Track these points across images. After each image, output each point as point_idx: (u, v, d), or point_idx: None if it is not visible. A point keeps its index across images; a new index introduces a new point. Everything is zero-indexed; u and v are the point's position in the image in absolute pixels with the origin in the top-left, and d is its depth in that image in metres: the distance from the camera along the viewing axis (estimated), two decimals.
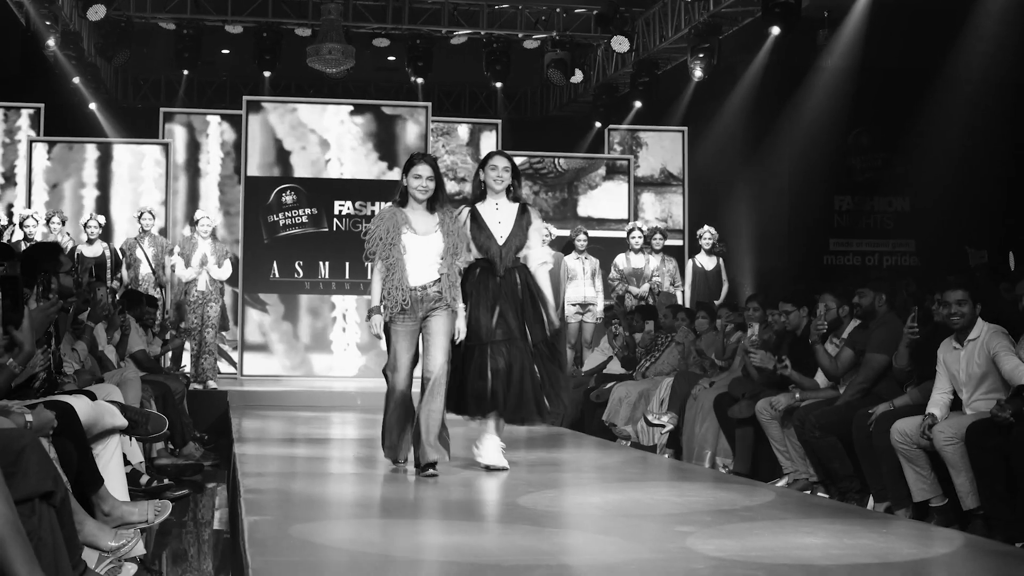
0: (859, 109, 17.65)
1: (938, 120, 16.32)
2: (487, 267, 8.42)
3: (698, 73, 16.89)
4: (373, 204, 17.01)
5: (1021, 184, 17.28)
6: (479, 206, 8.56)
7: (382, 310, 8.15)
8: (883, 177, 19.13)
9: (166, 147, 17.33)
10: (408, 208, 8.27)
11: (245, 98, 17.49)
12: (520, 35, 19.21)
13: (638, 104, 19.39)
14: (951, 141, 16.10)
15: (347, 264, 16.89)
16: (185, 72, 19.83)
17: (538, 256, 8.66)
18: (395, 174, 17.16)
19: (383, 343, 8.44)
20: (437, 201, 8.30)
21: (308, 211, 16.99)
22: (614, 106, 20.32)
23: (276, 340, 16.98)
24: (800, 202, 18.62)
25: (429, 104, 18.04)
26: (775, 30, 14.96)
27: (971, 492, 7.41)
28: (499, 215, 8.50)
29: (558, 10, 19.15)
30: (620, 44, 18.05)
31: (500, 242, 8.41)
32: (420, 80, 19.72)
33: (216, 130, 17.87)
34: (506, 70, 19.66)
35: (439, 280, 8.17)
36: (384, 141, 17.46)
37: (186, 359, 15.00)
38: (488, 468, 8.19)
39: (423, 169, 8.26)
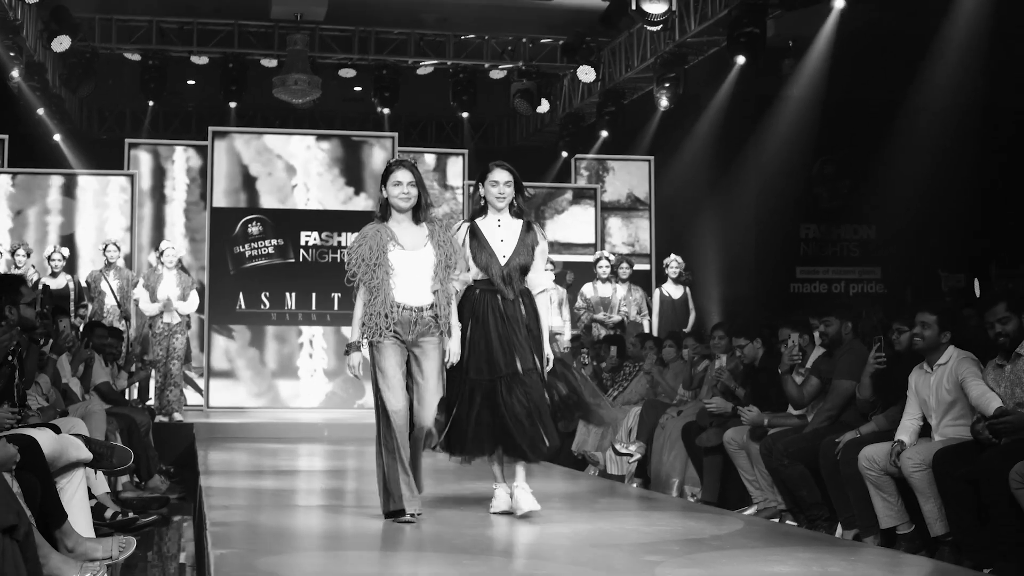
0: (824, 138, 17.71)
1: (903, 148, 16.39)
2: (488, 289, 7.68)
3: (664, 102, 16.91)
4: (339, 235, 17.02)
5: (986, 212, 17.36)
6: (479, 221, 7.86)
7: (363, 346, 7.43)
8: (848, 205, 19.21)
9: (131, 178, 17.26)
10: (392, 222, 7.54)
11: (211, 129, 17.46)
12: (486, 65, 19.22)
13: (604, 133, 19.39)
14: (916, 169, 16.18)
15: (313, 295, 16.88)
16: (151, 103, 19.74)
17: (540, 282, 7.91)
18: (363, 200, 17.21)
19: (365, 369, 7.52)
20: (421, 209, 7.59)
21: (274, 242, 16.95)
22: (580, 135, 20.33)
23: (242, 366, 16.92)
24: (766, 230, 18.67)
25: (395, 134, 18.05)
26: (740, 60, 14.98)
27: (939, 519, 7.42)
28: (501, 232, 7.79)
29: (524, 40, 19.17)
30: (586, 74, 18.09)
31: (503, 261, 7.68)
32: (386, 110, 19.71)
33: (182, 157, 17.84)
34: (472, 100, 19.66)
35: (433, 303, 7.42)
36: (351, 166, 17.49)
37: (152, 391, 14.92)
38: (527, 515, 7.42)
39: (402, 175, 7.56)
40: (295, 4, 17.35)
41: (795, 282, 19.19)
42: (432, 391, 7.43)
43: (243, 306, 16.85)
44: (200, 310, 16.13)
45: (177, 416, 14.42)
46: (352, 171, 17.49)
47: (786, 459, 8.76)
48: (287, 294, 16.92)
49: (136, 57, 18.40)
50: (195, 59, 18.46)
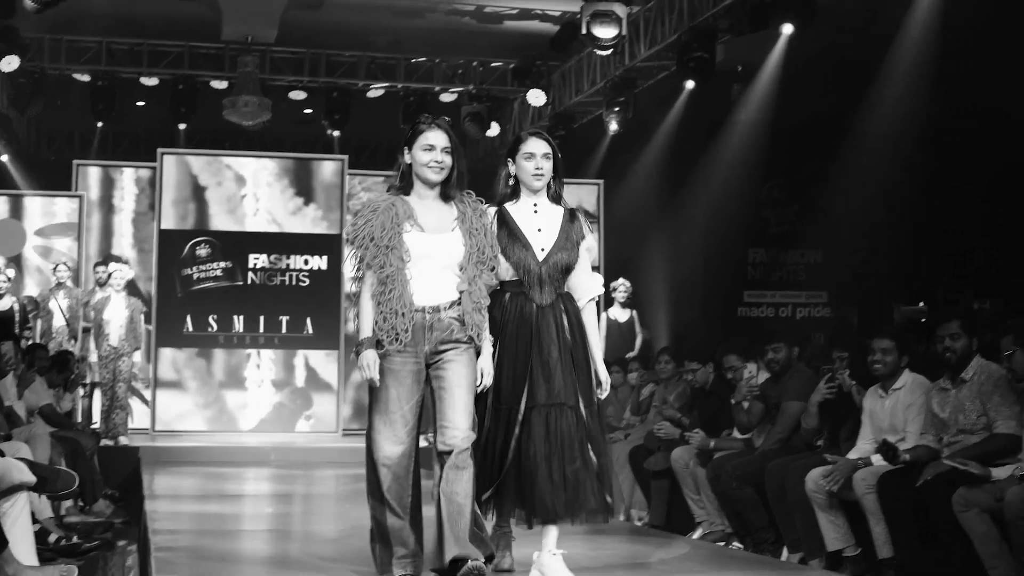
0: (773, 162, 17.80)
1: (850, 173, 16.48)
2: (520, 293, 6.14)
3: (614, 126, 16.98)
4: (288, 257, 16.97)
5: (932, 235, 17.50)
6: (509, 206, 6.30)
7: (383, 341, 5.83)
8: (796, 230, 19.30)
9: (80, 199, 17.16)
10: (414, 195, 6.05)
11: (160, 150, 17.39)
12: (437, 88, 19.23)
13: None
14: (863, 193, 16.27)
15: (261, 318, 16.84)
16: (99, 124, 19.65)
17: (588, 287, 6.31)
18: (312, 210, 17.18)
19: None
20: (452, 185, 6.08)
21: (222, 264, 16.89)
22: None
23: (189, 377, 16.83)
24: (715, 254, 18.73)
25: (345, 157, 18.03)
26: (689, 84, 15.08)
27: (887, 541, 7.47)
28: (538, 220, 6.25)
29: (475, 64, 19.21)
30: (536, 98, 18.15)
31: (541, 256, 6.14)
32: (337, 133, 19.69)
33: (131, 177, 17.74)
34: None
35: (458, 301, 5.90)
36: (300, 177, 17.45)
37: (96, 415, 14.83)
38: None
39: (436, 137, 6.06)
40: (246, 26, 17.34)
41: (743, 306, 19.25)
42: (461, 408, 5.79)
43: (190, 328, 16.77)
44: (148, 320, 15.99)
45: (123, 440, 14.33)
46: (302, 182, 17.45)
47: (735, 482, 8.80)
48: (235, 317, 16.86)
49: (85, 78, 18.30)
50: (145, 80, 18.38)
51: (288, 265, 17.01)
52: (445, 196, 6.06)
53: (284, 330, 16.89)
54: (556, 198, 6.35)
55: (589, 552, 7.35)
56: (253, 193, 17.30)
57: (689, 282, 18.79)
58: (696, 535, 9.22)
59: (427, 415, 5.98)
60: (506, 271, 6.15)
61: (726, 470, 8.89)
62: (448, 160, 6.02)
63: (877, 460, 7.60)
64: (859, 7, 13.99)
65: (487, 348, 5.93)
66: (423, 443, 5.96)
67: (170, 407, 16.67)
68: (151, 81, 18.41)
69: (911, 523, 7.26)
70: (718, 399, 9.84)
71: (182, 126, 19.10)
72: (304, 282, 17.08)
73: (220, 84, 18.42)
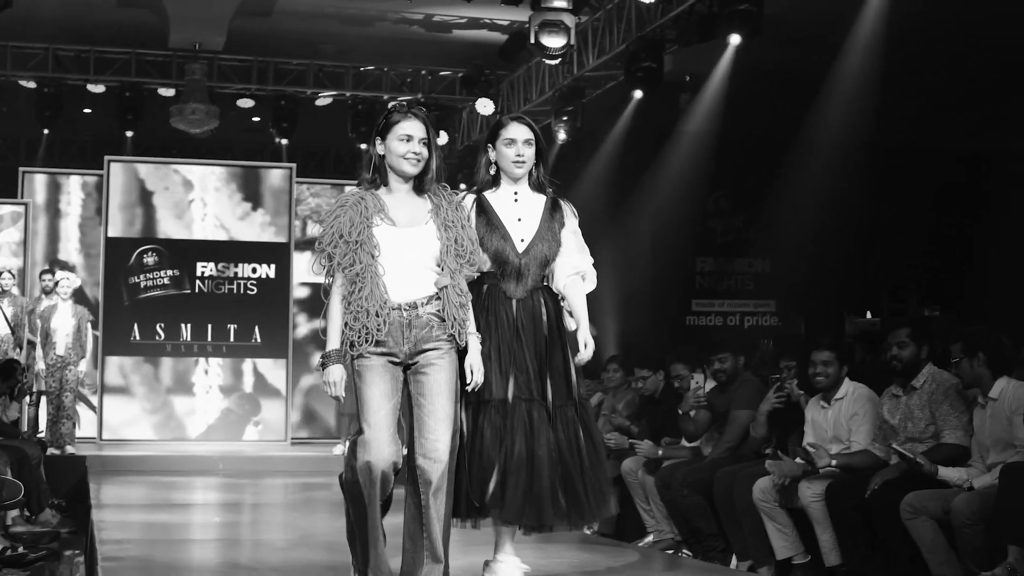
0: (720, 172, 17.90)
1: (796, 183, 16.60)
2: (497, 285, 5.89)
3: (562, 135, 17.01)
4: (236, 266, 16.92)
5: (878, 244, 17.65)
6: (488, 195, 6.06)
7: (346, 355, 5.47)
8: (744, 239, 19.43)
9: (25, 206, 17.04)
10: (385, 190, 5.67)
11: (107, 158, 17.29)
12: (385, 97, 19.20)
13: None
14: (809, 203, 16.40)
15: (209, 326, 16.78)
16: (46, 131, 19.51)
17: (573, 264, 6.03)
18: (260, 215, 17.16)
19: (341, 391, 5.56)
20: (428, 177, 5.71)
21: (170, 273, 16.82)
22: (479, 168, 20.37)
23: (137, 383, 16.75)
24: (663, 264, 18.81)
25: (294, 165, 18.00)
26: (638, 94, 15.13)
27: (834, 548, 7.53)
28: (519, 209, 6.01)
29: (423, 72, 19.20)
30: (485, 107, 18.17)
31: (520, 247, 5.90)
32: (285, 141, 19.63)
33: (77, 183, 17.65)
34: (371, 131, 19.60)
35: (436, 297, 5.53)
36: (249, 182, 17.41)
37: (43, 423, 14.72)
38: None
39: (413, 127, 5.68)
40: (193, 33, 17.26)
41: (691, 315, 19.36)
42: (442, 418, 5.43)
43: (137, 337, 16.68)
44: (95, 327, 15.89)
45: (69, 449, 14.24)
46: (250, 186, 17.41)
47: (685, 489, 8.84)
48: (182, 325, 16.79)
49: (32, 84, 18.17)
50: (92, 87, 18.26)
51: (236, 273, 16.96)
52: (419, 189, 5.70)
53: (232, 338, 16.84)
54: (538, 186, 6.11)
55: (539, 560, 7.35)
56: (201, 198, 17.24)
57: (638, 291, 18.85)
58: (646, 543, 9.25)
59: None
60: (485, 262, 5.86)
61: (675, 478, 8.93)
62: (425, 152, 5.65)
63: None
64: (806, 18, 14.10)
65: (475, 344, 5.59)
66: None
67: (117, 413, 16.57)
68: (98, 88, 18.30)
69: (859, 530, 7.32)
70: (667, 408, 9.89)
71: (129, 133, 18.99)
72: (252, 290, 17.03)
73: (167, 91, 18.32)
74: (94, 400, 16.56)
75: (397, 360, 5.48)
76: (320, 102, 19.19)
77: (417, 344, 5.48)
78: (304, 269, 17.06)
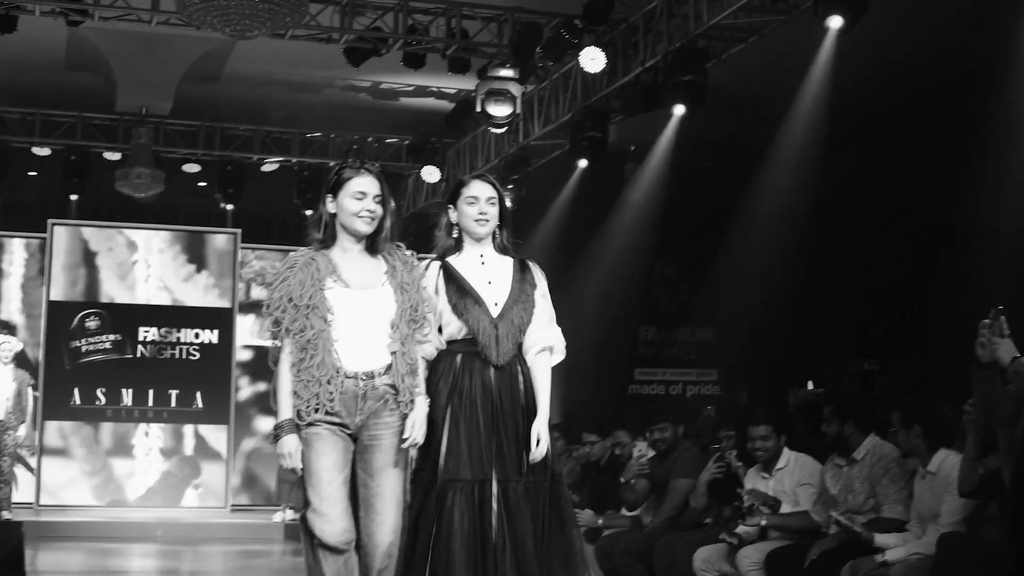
0: (665, 241, 17.98)
1: (741, 252, 16.68)
2: (474, 353, 5.51)
3: (507, 203, 17.06)
4: (178, 331, 16.84)
5: (819, 315, 17.75)
6: (453, 260, 5.71)
7: (299, 424, 5.16)
8: (687, 308, 19.51)
9: None
10: (336, 249, 5.38)
11: (51, 221, 17.21)
12: (332, 163, 19.17)
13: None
14: (753, 273, 16.48)
15: (151, 391, 16.67)
16: None
17: (543, 337, 5.67)
18: (204, 277, 17.09)
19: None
20: (382, 239, 5.42)
21: (112, 337, 16.71)
22: (425, 235, 20.36)
23: (76, 444, 16.57)
24: (607, 332, 18.83)
25: (239, 231, 17.96)
26: (583, 163, 15.23)
27: None
28: (487, 272, 5.67)
29: (370, 139, 19.24)
30: (431, 174, 18.23)
31: (495, 311, 5.55)
32: (230, 206, 19.59)
33: (20, 245, 17.55)
34: (317, 198, 19.59)
35: (389, 366, 5.25)
36: (193, 245, 17.34)
37: None
38: None
39: (367, 183, 5.37)
40: (140, 97, 17.25)
41: (634, 383, 19.39)
42: (390, 500, 5.21)
43: (78, 401, 16.54)
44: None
45: (5, 514, 14.04)
46: (194, 248, 17.36)
47: (626, 558, 8.84)
48: (123, 390, 16.67)
49: None
50: (37, 150, 18.20)
51: (179, 338, 16.88)
52: (372, 249, 5.39)
53: (174, 404, 16.72)
54: (503, 248, 5.78)
55: None
56: (144, 259, 17.16)
57: (581, 359, 18.71)
58: None
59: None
60: (458, 330, 5.53)
61: (616, 547, 8.94)
62: (379, 210, 5.36)
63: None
64: (750, 90, 14.25)
65: (421, 403, 5.29)
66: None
67: (56, 475, 16.39)
68: (43, 151, 18.24)
69: None
70: (611, 475, 9.90)
71: (74, 197, 18.92)
72: (194, 355, 16.95)
73: (113, 155, 18.27)
74: (33, 462, 16.39)
75: (347, 431, 5.22)
76: (266, 168, 19.20)
77: (369, 417, 5.23)
78: (247, 331, 17.01)
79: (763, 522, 7.68)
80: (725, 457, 8.68)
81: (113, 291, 16.97)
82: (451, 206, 5.76)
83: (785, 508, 8.01)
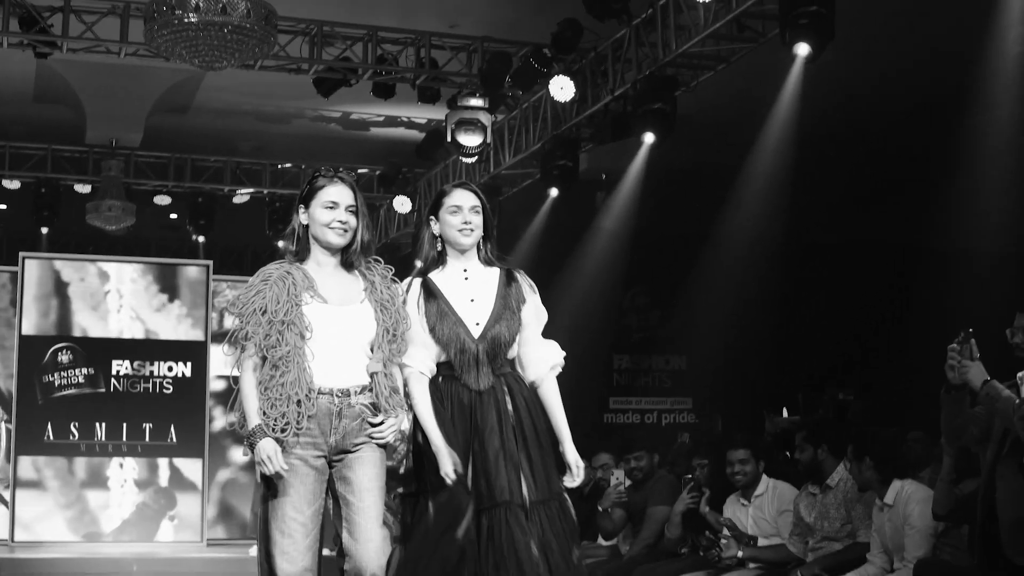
0: (636, 269, 18.00)
1: (713, 279, 16.72)
2: (452, 376, 5.26)
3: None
4: (152, 363, 16.75)
5: (793, 341, 17.79)
6: (434, 276, 5.48)
7: (271, 429, 4.91)
8: (659, 336, 19.53)
9: None
10: (311, 263, 5.19)
11: (22, 254, 17.13)
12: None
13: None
14: (724, 299, 16.52)
15: (124, 425, 16.54)
16: None
17: (544, 356, 5.52)
18: (176, 307, 17.01)
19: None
20: (356, 250, 5.25)
21: (85, 371, 16.63)
22: (397, 265, 20.11)
23: (50, 476, 16.43)
24: (579, 361, 18.78)
25: (211, 262, 17.90)
26: (553, 192, 15.24)
27: None
28: (470, 288, 5.39)
29: (341, 170, 19.23)
30: (402, 204, 18.24)
31: (477, 332, 5.27)
32: (202, 238, 19.55)
33: None
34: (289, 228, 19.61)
35: (369, 387, 5.03)
36: (165, 275, 17.24)
37: None
38: None
39: (339, 193, 5.21)
40: (110, 129, 17.23)
41: (608, 412, 19.38)
42: (372, 516, 4.96)
43: (51, 437, 16.43)
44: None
45: None
46: (167, 278, 17.28)
47: None
48: (97, 424, 16.57)
49: None
50: (7, 183, 18.14)
51: (152, 372, 16.79)
52: (347, 264, 5.22)
53: (147, 438, 16.62)
54: (488, 260, 5.47)
55: None
56: (116, 289, 17.07)
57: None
58: None
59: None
60: (438, 353, 5.25)
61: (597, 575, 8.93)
62: (353, 221, 5.17)
63: None
64: (719, 117, 14.31)
65: (402, 417, 5.07)
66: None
67: (29, 508, 16.26)
68: (13, 184, 18.17)
69: None
70: (591, 504, 9.89)
71: (45, 230, 18.86)
72: (168, 389, 16.86)
73: (84, 188, 18.22)
74: (6, 495, 16.28)
75: (320, 453, 4.96)
76: (237, 199, 19.16)
77: (346, 437, 4.98)
78: (221, 362, 16.94)
79: (739, 554, 7.68)
80: (702, 489, 8.68)
81: (85, 322, 16.88)
82: (432, 217, 5.54)
83: (762, 541, 8.00)
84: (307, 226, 5.21)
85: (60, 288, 16.82)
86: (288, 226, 5.37)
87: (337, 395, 4.94)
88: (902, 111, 14.16)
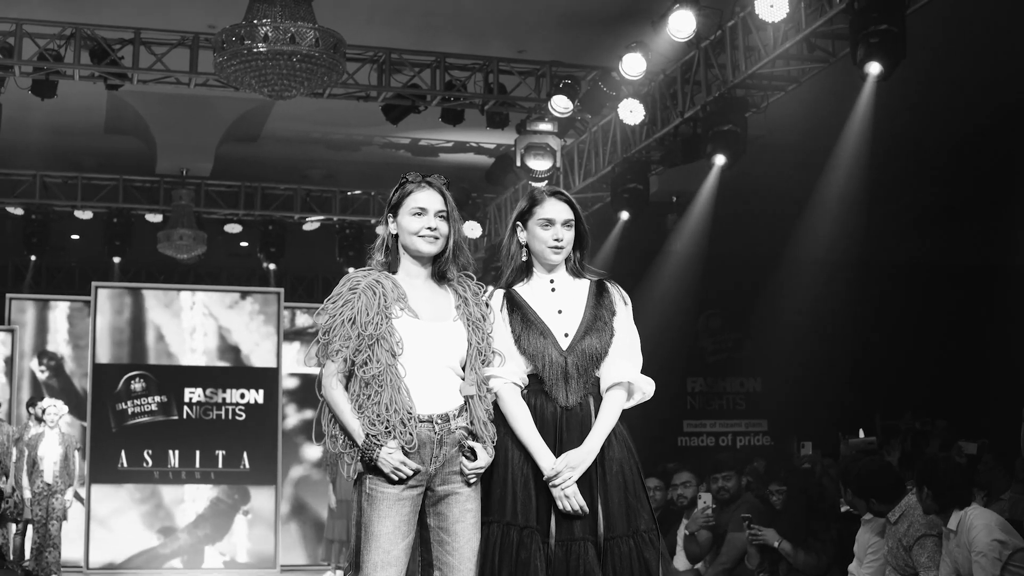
0: (709, 291, 17.91)
1: (786, 300, 16.60)
2: (540, 391, 4.78)
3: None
4: (224, 391, 16.83)
5: (869, 361, 17.61)
6: (520, 288, 5.00)
7: (382, 437, 4.49)
8: (734, 358, 19.40)
9: (12, 332, 17.00)
10: (402, 273, 4.80)
11: (95, 284, 17.26)
12: (372, 220, 19.24)
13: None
14: (798, 321, 16.38)
15: (197, 452, 16.65)
16: (33, 257, 19.50)
17: (618, 372, 4.95)
18: (249, 303, 17.25)
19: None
20: (447, 261, 4.83)
21: (157, 399, 16.72)
22: None
23: (126, 505, 16.58)
24: (654, 384, 18.75)
25: (281, 290, 17.98)
26: (624, 215, 15.16)
27: None
28: (558, 299, 4.95)
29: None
30: (472, 230, 18.21)
31: (564, 343, 4.82)
32: (272, 265, 19.62)
33: (63, 311, 17.62)
34: (359, 255, 19.66)
35: (465, 408, 4.64)
36: (236, 304, 17.35)
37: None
38: None
39: (429, 199, 4.80)
40: (181, 159, 17.35)
41: (683, 435, 19.27)
42: (468, 557, 4.57)
43: (125, 464, 16.54)
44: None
45: None
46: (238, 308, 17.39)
47: None
48: (170, 451, 16.66)
49: (19, 211, 18.19)
50: (79, 214, 18.28)
51: (224, 399, 16.87)
52: (439, 276, 4.81)
53: (220, 465, 16.70)
54: (577, 271, 5.04)
55: None
56: (189, 319, 17.17)
57: (629, 413, 18.74)
58: None
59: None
60: (523, 367, 4.78)
61: None
62: (444, 227, 4.75)
63: None
64: (789, 139, 14.18)
65: (489, 443, 4.64)
66: None
67: (105, 504, 16.31)
68: (85, 214, 18.32)
69: None
70: (666, 524, 9.78)
71: (116, 259, 18.99)
72: (240, 416, 16.94)
73: (155, 217, 18.34)
74: (82, 492, 16.28)
75: (418, 484, 4.57)
76: (307, 227, 19.22)
77: (445, 465, 4.58)
78: (292, 359, 17.02)
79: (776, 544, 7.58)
80: (759, 533, 8.54)
81: (158, 352, 16.99)
82: (519, 224, 5.02)
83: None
84: (396, 236, 4.81)
85: (133, 319, 16.94)
86: (379, 237, 4.93)
87: (437, 421, 4.55)
88: (976, 128, 13.99)
